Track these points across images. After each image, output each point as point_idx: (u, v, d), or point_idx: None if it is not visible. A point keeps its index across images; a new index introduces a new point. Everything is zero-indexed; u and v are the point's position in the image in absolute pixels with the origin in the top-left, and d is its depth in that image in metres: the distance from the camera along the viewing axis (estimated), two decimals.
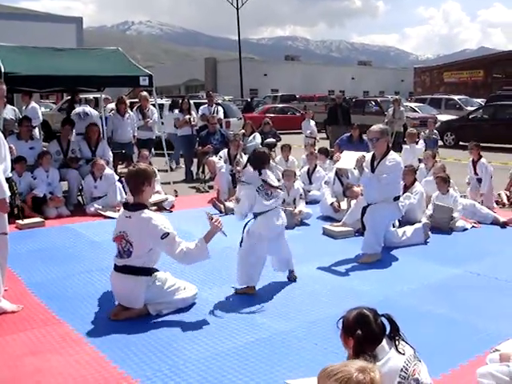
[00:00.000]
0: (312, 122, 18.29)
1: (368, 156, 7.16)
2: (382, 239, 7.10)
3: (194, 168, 13.92)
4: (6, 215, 5.27)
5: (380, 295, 5.60)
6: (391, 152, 7.03)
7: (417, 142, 12.83)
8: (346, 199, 9.08)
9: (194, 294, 5.43)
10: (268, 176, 5.83)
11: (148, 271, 5.13)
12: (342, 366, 2.32)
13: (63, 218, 9.20)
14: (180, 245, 5.02)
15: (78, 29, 28.20)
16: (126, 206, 5.27)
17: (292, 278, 6.17)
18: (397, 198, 7.08)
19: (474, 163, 10.48)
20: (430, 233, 7.85)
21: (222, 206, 9.67)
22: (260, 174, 5.80)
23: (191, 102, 15.16)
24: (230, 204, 9.76)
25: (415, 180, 9.03)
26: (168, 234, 4.99)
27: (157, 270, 5.24)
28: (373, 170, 6.99)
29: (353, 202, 8.56)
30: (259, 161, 5.88)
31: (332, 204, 9.06)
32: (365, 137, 12.05)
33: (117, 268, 5.19)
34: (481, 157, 10.37)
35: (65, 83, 10.89)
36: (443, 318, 5.09)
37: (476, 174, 10.39)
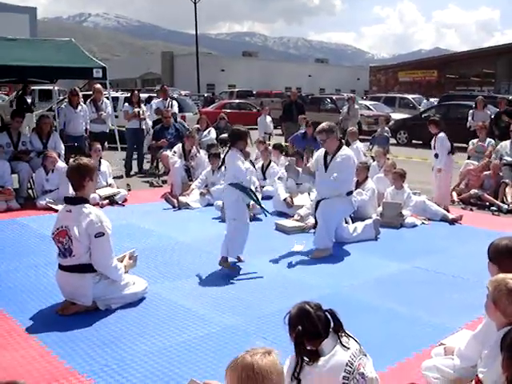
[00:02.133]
0: (268, 118, 18.33)
1: (321, 152, 7.24)
2: (333, 234, 7.19)
3: (147, 162, 13.81)
4: None
5: (329, 289, 5.67)
6: (343, 147, 7.14)
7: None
8: (306, 194, 9.16)
9: (144, 289, 5.40)
10: None
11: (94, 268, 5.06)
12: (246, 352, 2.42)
13: (13, 212, 9.02)
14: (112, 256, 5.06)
15: (31, 19, 27.74)
16: (67, 200, 5.19)
17: (220, 264, 6.32)
18: (350, 193, 7.18)
19: (435, 138, 10.17)
20: (379, 229, 7.96)
21: (175, 200, 9.63)
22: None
23: (146, 95, 15.03)
24: (183, 198, 9.73)
25: (367, 177, 9.14)
26: (103, 234, 4.94)
27: None
28: (326, 165, 7.08)
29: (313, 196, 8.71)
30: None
31: (285, 199, 9.11)
32: None
33: (61, 267, 5.10)
34: (440, 131, 10.06)
35: (16, 74, 10.68)
36: (390, 312, 5.17)
37: (435, 148, 10.25)
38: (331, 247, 7.10)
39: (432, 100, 31.01)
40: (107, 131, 12.99)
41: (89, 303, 5.04)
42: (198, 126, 14.22)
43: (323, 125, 7.17)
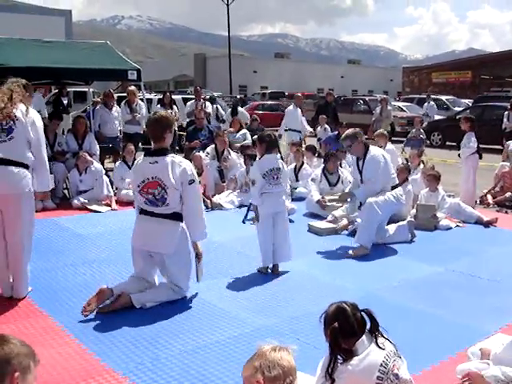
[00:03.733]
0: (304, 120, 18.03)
1: (354, 160, 7.57)
2: (373, 234, 7.24)
3: None
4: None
5: (362, 291, 5.64)
6: (369, 149, 7.27)
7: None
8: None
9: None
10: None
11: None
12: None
13: (48, 211, 9.15)
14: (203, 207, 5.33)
15: (66, 22, 28.11)
16: (150, 152, 5.30)
17: (274, 272, 6.29)
18: (394, 187, 7.33)
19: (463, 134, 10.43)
20: (415, 231, 7.89)
21: (208, 201, 9.68)
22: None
23: (179, 97, 15.13)
24: (216, 199, 9.78)
25: (407, 178, 9.08)
26: (194, 181, 5.12)
27: None
28: (360, 173, 7.31)
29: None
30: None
31: (318, 201, 9.09)
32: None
33: (152, 214, 5.21)
34: (471, 129, 10.23)
35: (52, 75, 10.87)
36: (424, 314, 5.13)
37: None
38: (370, 246, 7.12)
39: (466, 101, 30.66)
40: (141, 132, 13.11)
41: (170, 251, 5.17)
42: (231, 129, 14.20)
43: (347, 132, 7.39)
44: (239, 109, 17.38)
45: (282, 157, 11.58)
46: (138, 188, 5.17)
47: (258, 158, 6.67)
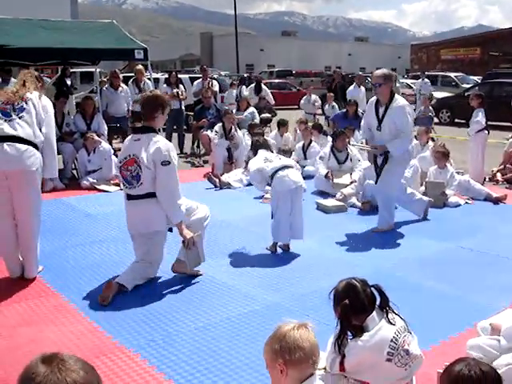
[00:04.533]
0: (314, 98, 17.85)
1: (369, 110, 7.09)
2: (393, 211, 7.24)
3: (187, 142, 13.86)
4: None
5: (372, 268, 5.65)
6: (395, 97, 6.87)
7: None
8: (348, 174, 9.14)
9: (208, 213, 5.61)
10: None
11: None
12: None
13: (58, 192, 9.18)
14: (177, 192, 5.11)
15: (72, 2, 27.93)
16: (135, 129, 5.30)
17: (285, 248, 6.32)
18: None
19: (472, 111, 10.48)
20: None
21: (217, 180, 9.69)
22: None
23: (186, 76, 15.09)
24: (224, 178, 9.79)
25: None
26: (169, 162, 4.99)
27: None
28: (379, 120, 6.86)
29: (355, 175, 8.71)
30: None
31: (327, 175, 9.07)
32: (360, 113, 12.05)
33: (130, 197, 5.17)
34: (480, 106, 10.26)
35: (59, 56, 10.83)
36: (434, 291, 5.14)
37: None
38: (393, 222, 7.17)
39: (475, 78, 30.40)
40: None
41: (162, 228, 5.15)
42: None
43: (382, 70, 6.95)
44: (263, 86, 17.37)
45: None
46: (120, 164, 5.15)
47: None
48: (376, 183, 7.12)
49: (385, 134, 6.82)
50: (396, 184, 7.15)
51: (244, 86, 17.87)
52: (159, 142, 5.04)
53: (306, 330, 2.42)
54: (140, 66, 12.86)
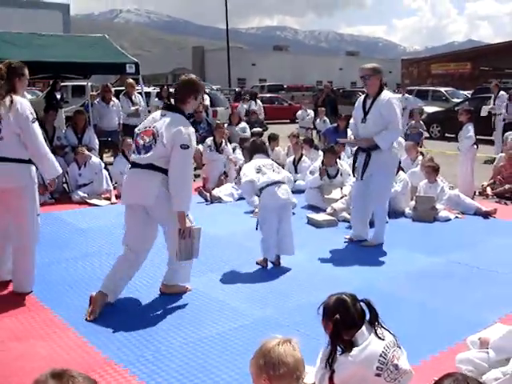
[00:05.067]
0: (310, 113, 17.90)
1: (358, 102, 7.09)
2: (385, 228, 7.22)
3: None
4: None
5: (362, 282, 5.66)
6: (384, 91, 6.87)
7: None
8: (339, 189, 9.15)
9: None
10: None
11: (166, 171, 5.00)
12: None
13: (48, 206, 9.15)
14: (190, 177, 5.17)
15: (64, 16, 28.05)
16: (167, 106, 5.25)
17: (275, 263, 6.27)
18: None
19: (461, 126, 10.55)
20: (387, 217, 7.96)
21: (208, 194, 9.70)
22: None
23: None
24: (215, 192, 9.80)
25: (400, 169, 9.10)
26: (188, 146, 4.92)
27: None
28: (365, 112, 6.85)
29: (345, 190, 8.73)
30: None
31: (320, 169, 9.16)
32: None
33: (135, 165, 5.11)
34: (469, 121, 10.36)
35: (50, 69, 10.85)
36: (423, 305, 5.15)
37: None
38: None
39: (465, 92, 30.58)
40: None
41: (151, 203, 4.99)
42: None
43: (371, 64, 6.98)
44: (258, 101, 17.67)
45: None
46: (139, 131, 5.10)
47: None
48: (362, 179, 7.03)
49: (369, 125, 6.76)
50: (387, 194, 7.21)
51: (253, 101, 18.04)
52: (183, 124, 4.97)
53: (291, 346, 2.42)
54: (131, 80, 12.88)
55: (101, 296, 4.96)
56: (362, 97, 7.02)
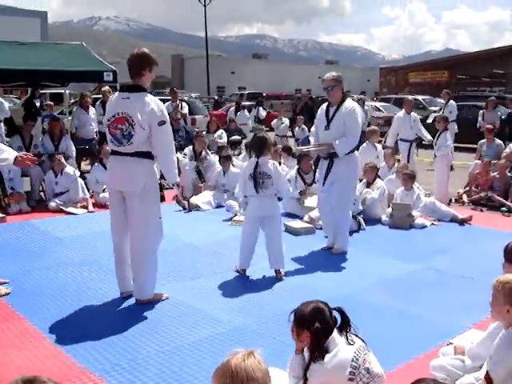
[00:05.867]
0: (285, 121, 18.04)
1: (321, 110, 7.13)
2: (348, 233, 7.27)
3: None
4: None
5: (338, 290, 5.69)
6: (347, 99, 6.94)
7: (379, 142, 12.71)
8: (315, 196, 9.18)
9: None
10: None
11: (151, 155, 5.13)
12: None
13: (24, 214, 9.10)
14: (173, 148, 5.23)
15: (42, 23, 27.91)
16: (125, 87, 5.25)
17: (276, 277, 6.15)
18: (356, 148, 7.13)
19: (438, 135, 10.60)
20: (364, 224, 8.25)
21: (185, 202, 9.68)
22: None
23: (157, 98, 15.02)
24: (193, 200, 9.79)
25: (377, 177, 9.18)
26: (165, 122, 5.00)
27: None
28: (329, 120, 6.89)
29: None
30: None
31: (300, 192, 9.16)
32: None
33: (117, 153, 5.14)
34: (446, 129, 10.53)
35: (27, 77, 10.77)
36: (399, 312, 5.19)
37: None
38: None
39: (442, 101, 30.87)
40: None
41: (137, 190, 5.06)
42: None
43: (331, 73, 6.98)
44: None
45: None
46: (108, 122, 5.11)
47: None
48: (323, 185, 7.07)
49: (332, 133, 6.83)
50: (351, 201, 7.26)
51: (261, 108, 18.21)
52: (152, 102, 5.01)
53: (255, 360, 2.34)
54: (107, 87, 12.82)
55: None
56: (325, 105, 7.07)
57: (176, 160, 5.31)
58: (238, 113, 18.54)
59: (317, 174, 8.98)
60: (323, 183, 7.06)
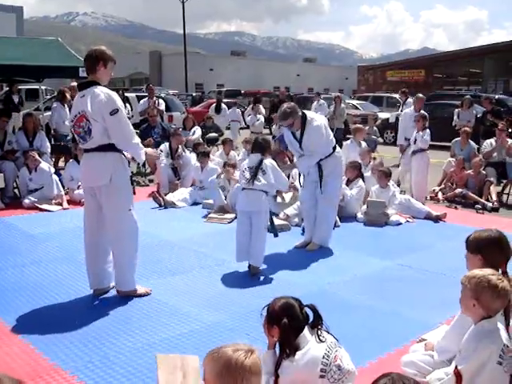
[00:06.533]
0: (260, 118, 18.14)
1: (288, 136, 7.24)
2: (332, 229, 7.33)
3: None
4: None
5: (312, 286, 5.72)
6: (308, 119, 6.91)
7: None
8: (290, 193, 9.18)
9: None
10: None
11: (114, 147, 5.14)
12: (221, 347, 2.33)
13: None
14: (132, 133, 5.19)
15: (18, 18, 27.64)
16: (81, 85, 5.29)
17: (252, 273, 6.16)
18: (334, 148, 7.17)
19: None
20: (339, 221, 8.22)
21: (161, 199, 9.65)
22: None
23: (133, 94, 15.03)
24: (169, 197, 9.76)
25: (358, 175, 9.20)
26: (117, 110, 5.00)
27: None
28: (299, 141, 7.01)
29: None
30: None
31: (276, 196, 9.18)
32: None
33: (86, 151, 5.21)
34: (425, 127, 10.44)
35: (1, 72, 10.67)
36: (372, 308, 5.22)
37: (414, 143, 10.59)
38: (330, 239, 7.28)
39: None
40: None
41: (106, 182, 5.09)
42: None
43: (284, 109, 6.79)
44: (223, 106, 17.82)
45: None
46: (72, 123, 5.19)
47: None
48: (321, 188, 7.12)
49: (307, 151, 7.03)
50: (338, 197, 7.37)
51: (261, 106, 18.17)
52: (101, 93, 5.03)
53: (256, 358, 2.24)
54: (74, 83, 12.68)
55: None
56: (290, 133, 7.10)
57: (139, 141, 5.29)
58: (230, 110, 18.64)
59: (293, 172, 9.06)
60: (317, 181, 7.12)
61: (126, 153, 5.30)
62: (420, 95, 12.24)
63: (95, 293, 5.44)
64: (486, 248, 3.66)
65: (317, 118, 7.11)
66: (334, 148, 7.16)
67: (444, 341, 3.60)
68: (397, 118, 16.72)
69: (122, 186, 5.23)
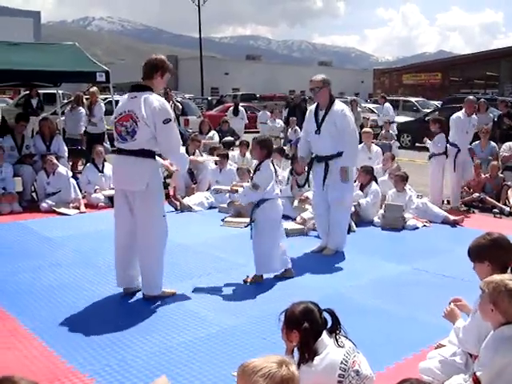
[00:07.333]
0: (279, 122, 18.23)
1: (309, 114, 7.07)
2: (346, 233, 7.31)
3: None
4: None
5: (330, 290, 5.70)
6: (336, 101, 6.87)
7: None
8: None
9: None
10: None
11: (154, 154, 5.22)
12: (263, 361, 2.24)
13: (16, 214, 9.08)
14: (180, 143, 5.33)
15: (35, 23, 27.85)
16: (134, 87, 5.35)
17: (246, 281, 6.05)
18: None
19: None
20: (355, 226, 8.21)
21: (177, 203, 9.68)
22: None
23: None
24: (185, 201, 9.79)
25: (371, 179, 9.16)
26: (170, 120, 5.10)
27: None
28: (318, 124, 6.85)
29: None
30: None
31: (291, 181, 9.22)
32: None
33: (120, 151, 5.25)
34: (441, 131, 10.35)
35: (20, 78, 10.77)
36: (390, 312, 5.20)
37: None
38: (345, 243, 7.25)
39: (435, 103, 30.96)
40: (101, 132, 12.78)
41: (142, 187, 5.13)
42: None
43: (321, 74, 6.86)
44: (240, 108, 19.00)
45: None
46: (115, 120, 5.24)
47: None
48: (318, 187, 7.10)
49: (324, 137, 6.80)
50: (350, 201, 7.33)
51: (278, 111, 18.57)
52: (156, 100, 5.13)
53: (294, 370, 2.24)
54: (94, 88, 12.78)
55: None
56: (313, 108, 7.00)
57: (184, 151, 5.49)
58: (260, 112, 19.11)
59: (310, 176, 9.01)
60: (322, 186, 7.05)
61: (159, 158, 5.36)
62: (470, 97, 10.85)
63: (124, 291, 5.54)
64: (490, 252, 3.67)
65: (345, 106, 7.01)
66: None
67: (464, 333, 3.62)
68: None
69: (157, 192, 5.31)
